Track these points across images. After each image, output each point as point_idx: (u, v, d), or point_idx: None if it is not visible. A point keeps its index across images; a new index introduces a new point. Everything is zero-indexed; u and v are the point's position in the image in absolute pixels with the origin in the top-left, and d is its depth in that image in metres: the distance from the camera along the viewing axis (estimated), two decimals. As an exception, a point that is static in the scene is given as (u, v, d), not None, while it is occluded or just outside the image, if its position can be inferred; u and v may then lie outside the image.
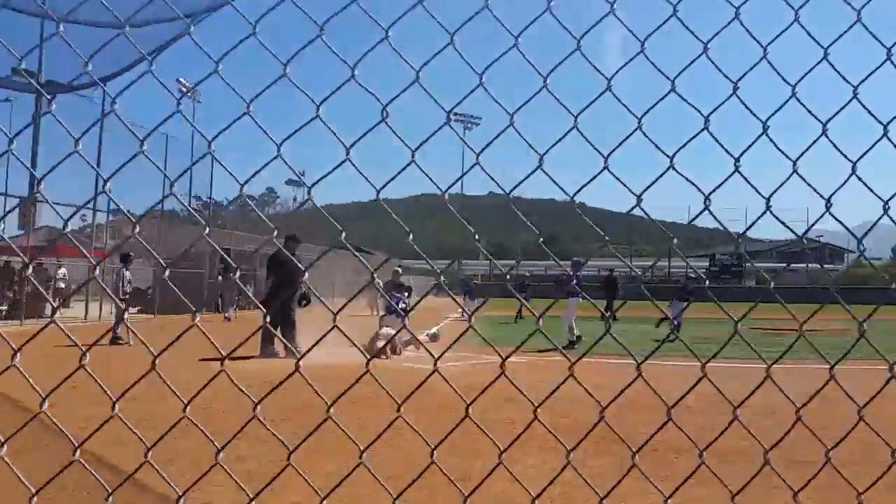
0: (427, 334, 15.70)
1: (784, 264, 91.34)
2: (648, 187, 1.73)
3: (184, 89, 47.75)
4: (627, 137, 1.76)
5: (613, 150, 1.76)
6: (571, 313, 15.21)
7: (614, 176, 1.78)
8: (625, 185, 1.71)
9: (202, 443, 1.62)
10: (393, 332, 13.07)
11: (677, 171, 1.80)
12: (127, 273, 15.09)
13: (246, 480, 1.69)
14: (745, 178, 1.80)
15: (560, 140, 1.72)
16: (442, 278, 1.89)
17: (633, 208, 1.77)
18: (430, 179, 1.66)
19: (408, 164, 1.63)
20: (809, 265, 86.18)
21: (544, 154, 1.70)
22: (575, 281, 15.59)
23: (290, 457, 1.64)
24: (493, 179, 1.75)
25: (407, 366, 11.31)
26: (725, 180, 1.88)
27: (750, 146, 1.81)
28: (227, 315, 25.51)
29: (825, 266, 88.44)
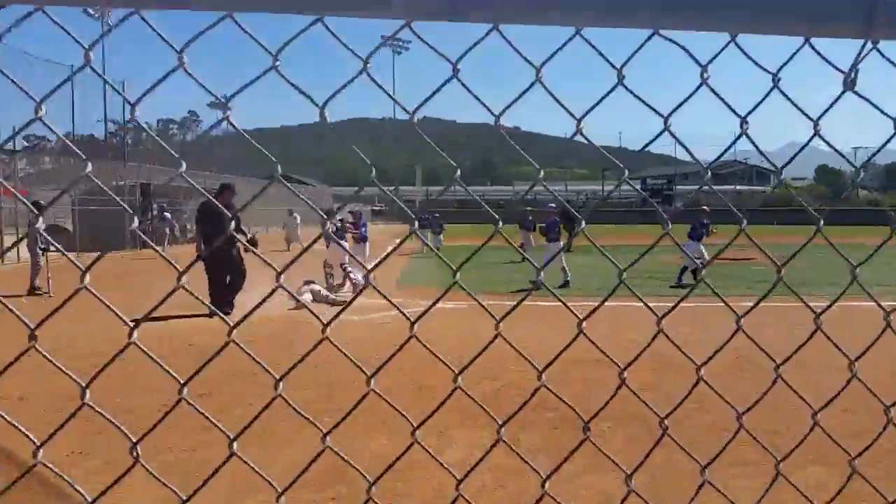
0: (362, 276, 14.95)
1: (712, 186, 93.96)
2: (588, 111, 1.46)
3: (91, 11, 44.24)
4: (557, 51, 1.47)
5: (544, 62, 1.48)
6: (550, 257, 15.16)
7: (555, 99, 1.50)
8: (566, 109, 1.43)
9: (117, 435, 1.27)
10: (319, 287, 12.51)
11: (628, 89, 1.54)
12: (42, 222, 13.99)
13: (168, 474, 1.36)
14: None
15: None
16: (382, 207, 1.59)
17: (574, 134, 1.51)
18: (396, 101, 1.35)
19: (358, 74, 1.29)
20: (737, 186, 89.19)
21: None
22: (555, 227, 15.37)
23: (232, 444, 1.31)
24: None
25: (340, 318, 10.62)
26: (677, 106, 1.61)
27: (694, 91, 1.54)
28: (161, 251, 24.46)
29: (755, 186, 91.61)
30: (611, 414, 5.63)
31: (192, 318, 9.67)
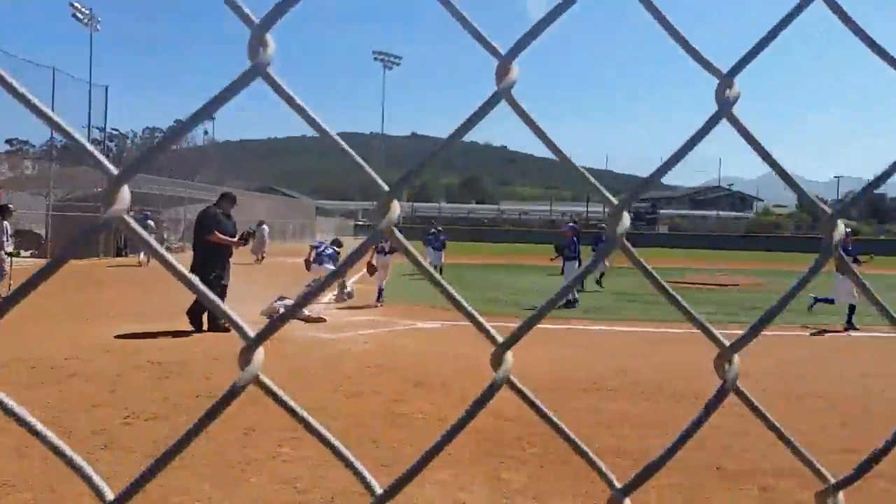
0: (342, 292, 14.42)
1: (696, 211, 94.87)
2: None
3: (79, 15, 43.62)
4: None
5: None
6: (576, 276, 15.22)
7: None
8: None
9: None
10: (291, 303, 11.50)
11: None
12: (7, 226, 13.68)
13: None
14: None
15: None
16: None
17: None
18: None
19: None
20: (720, 212, 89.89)
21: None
22: (573, 246, 15.89)
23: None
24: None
25: (312, 335, 9.87)
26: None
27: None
28: (140, 260, 23.71)
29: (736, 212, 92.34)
30: (604, 450, 5.24)
31: (158, 335, 9.41)
